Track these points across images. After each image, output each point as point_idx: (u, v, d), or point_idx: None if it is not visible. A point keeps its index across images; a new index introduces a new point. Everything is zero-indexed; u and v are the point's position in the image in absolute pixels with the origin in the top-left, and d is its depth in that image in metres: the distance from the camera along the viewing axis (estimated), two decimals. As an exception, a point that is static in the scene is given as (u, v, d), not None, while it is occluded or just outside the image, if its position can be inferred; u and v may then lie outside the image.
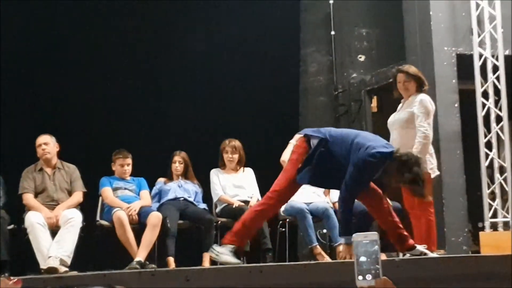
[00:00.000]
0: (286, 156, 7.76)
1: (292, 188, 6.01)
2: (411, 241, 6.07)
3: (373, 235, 2.18)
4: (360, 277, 2.14)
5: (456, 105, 8.46)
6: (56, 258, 6.35)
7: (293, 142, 7.82)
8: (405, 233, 6.09)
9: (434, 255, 6.16)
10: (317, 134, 6.07)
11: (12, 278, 1.74)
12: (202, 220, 7.46)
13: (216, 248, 5.96)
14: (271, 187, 6.10)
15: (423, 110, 6.60)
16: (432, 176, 6.74)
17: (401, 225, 6.06)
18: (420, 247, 6.12)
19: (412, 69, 6.89)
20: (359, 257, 2.16)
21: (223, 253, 5.84)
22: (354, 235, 2.19)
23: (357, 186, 5.78)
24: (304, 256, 8.27)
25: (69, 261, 6.43)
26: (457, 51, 8.57)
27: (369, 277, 2.13)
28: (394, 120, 6.89)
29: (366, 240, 2.17)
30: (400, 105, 6.99)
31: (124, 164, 7.61)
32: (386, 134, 7.22)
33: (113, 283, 1.74)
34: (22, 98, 8.71)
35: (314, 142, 5.98)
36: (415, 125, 6.63)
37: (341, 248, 5.87)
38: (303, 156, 5.99)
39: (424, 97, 6.69)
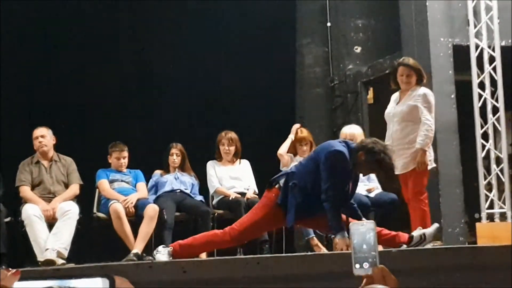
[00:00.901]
0: (283, 148, 7.84)
1: (251, 232, 6.05)
2: (403, 237, 6.13)
3: (370, 224, 2.18)
4: (357, 265, 2.14)
5: (452, 96, 8.45)
6: (53, 250, 6.35)
7: (291, 137, 7.91)
8: (394, 233, 6.15)
9: (432, 228, 6.24)
10: (281, 174, 6.32)
11: (10, 269, 1.74)
12: (199, 212, 7.46)
13: (160, 248, 6.03)
14: (236, 222, 6.19)
15: (427, 104, 6.71)
16: (429, 167, 6.77)
17: (385, 231, 6.13)
18: (416, 232, 6.18)
19: (412, 61, 6.96)
20: (356, 245, 2.16)
21: (160, 252, 5.95)
22: (350, 223, 2.19)
23: (333, 184, 5.88)
24: (301, 248, 8.26)
25: (66, 253, 6.44)
26: (453, 42, 8.56)
27: (366, 265, 2.13)
28: (394, 112, 6.90)
29: (363, 228, 2.17)
30: (395, 97, 7.00)
31: (120, 157, 7.60)
32: (382, 126, 7.23)
33: (111, 274, 1.74)
34: (19, 91, 8.70)
35: (281, 182, 6.12)
36: (416, 118, 6.70)
37: (337, 240, 5.88)
38: (272, 201, 6.09)
39: (426, 91, 6.81)
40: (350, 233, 2.17)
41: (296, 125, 8.09)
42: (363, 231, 2.16)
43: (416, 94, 6.76)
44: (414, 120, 6.74)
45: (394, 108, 6.96)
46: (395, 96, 7.05)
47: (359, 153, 5.94)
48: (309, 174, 6.00)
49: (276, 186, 6.14)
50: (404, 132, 6.79)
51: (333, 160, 5.89)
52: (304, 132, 7.94)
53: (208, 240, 6.07)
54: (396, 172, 6.72)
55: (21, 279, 1.74)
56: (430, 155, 6.80)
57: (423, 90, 6.78)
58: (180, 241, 6.14)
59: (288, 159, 7.84)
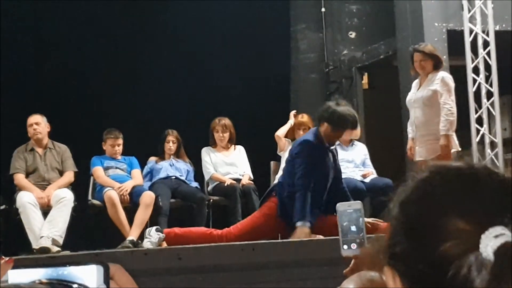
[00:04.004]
0: (281, 131, 7.87)
1: (248, 239, 6.07)
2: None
3: (357, 204, 2.19)
4: (345, 247, 2.16)
5: (447, 81, 8.44)
6: (48, 238, 6.35)
7: (291, 122, 7.93)
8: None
9: None
10: (272, 187, 6.47)
11: (3, 257, 1.74)
12: (194, 199, 7.46)
13: (152, 233, 6.04)
14: (235, 225, 6.20)
15: (446, 88, 6.72)
16: (452, 151, 6.79)
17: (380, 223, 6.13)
18: None
19: (428, 48, 6.96)
20: (344, 226, 2.17)
21: (150, 239, 5.97)
22: (338, 204, 2.20)
23: (304, 174, 5.92)
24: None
25: (61, 241, 6.44)
26: (447, 27, 8.54)
27: (354, 246, 2.14)
28: (415, 98, 6.91)
29: (350, 209, 2.18)
30: (415, 83, 7.01)
31: (115, 144, 7.59)
32: (377, 111, 7.24)
33: (106, 261, 1.74)
34: (12, 78, 8.66)
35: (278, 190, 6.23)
36: (436, 102, 6.72)
37: (297, 227, 5.83)
38: (272, 210, 6.13)
39: (445, 74, 6.85)
40: (337, 214, 2.18)
41: (293, 112, 8.12)
42: (350, 212, 2.17)
43: (434, 78, 6.78)
44: (435, 104, 6.74)
45: (414, 94, 6.96)
46: (415, 82, 7.07)
47: (321, 126, 6.02)
48: (293, 177, 6.04)
49: (274, 194, 6.17)
50: (426, 118, 6.81)
51: (299, 150, 5.99)
52: (305, 117, 7.95)
53: (204, 238, 6.04)
54: (420, 158, 6.77)
55: (14, 267, 1.73)
56: (454, 138, 6.82)
57: (441, 74, 6.81)
58: (177, 230, 6.14)
59: (285, 142, 7.86)
